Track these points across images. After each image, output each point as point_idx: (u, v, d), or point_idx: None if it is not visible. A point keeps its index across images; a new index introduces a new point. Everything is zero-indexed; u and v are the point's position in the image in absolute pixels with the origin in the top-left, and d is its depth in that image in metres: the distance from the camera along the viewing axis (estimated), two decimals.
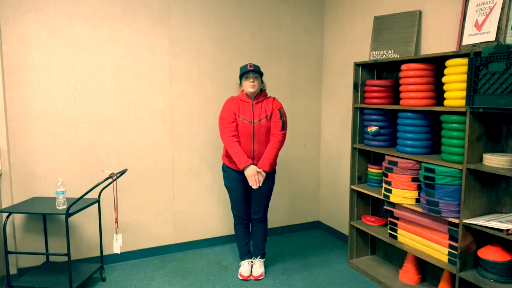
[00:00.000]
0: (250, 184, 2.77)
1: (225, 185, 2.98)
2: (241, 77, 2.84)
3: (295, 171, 3.92)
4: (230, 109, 2.82)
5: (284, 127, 2.84)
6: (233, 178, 2.90)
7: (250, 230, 3.11)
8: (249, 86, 2.78)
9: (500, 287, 2.06)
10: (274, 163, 2.88)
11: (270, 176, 2.92)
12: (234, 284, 2.91)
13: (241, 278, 2.98)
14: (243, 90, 2.87)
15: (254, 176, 2.74)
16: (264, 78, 3.64)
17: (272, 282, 2.93)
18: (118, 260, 3.27)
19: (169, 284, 2.90)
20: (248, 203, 3.01)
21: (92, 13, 2.98)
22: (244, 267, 3.00)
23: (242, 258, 3.05)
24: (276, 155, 2.83)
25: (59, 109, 2.96)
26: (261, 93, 2.87)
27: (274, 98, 2.91)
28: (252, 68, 2.78)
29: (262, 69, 3.63)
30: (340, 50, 3.66)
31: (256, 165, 2.83)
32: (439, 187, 2.30)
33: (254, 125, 2.79)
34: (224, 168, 2.95)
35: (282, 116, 2.85)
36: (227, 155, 2.90)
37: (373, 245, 3.31)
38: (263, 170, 2.78)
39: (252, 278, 2.97)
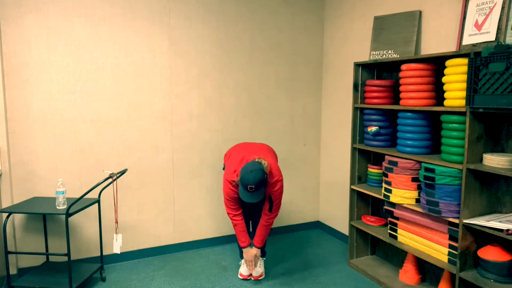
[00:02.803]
0: (247, 268, 2.94)
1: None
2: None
3: (295, 171, 3.92)
4: (233, 196, 2.75)
5: (271, 209, 2.79)
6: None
7: (251, 230, 3.11)
8: None
9: (500, 287, 2.06)
10: (266, 237, 2.92)
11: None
12: (234, 284, 2.91)
13: (241, 277, 2.98)
14: None
15: (250, 262, 2.89)
16: (264, 78, 3.66)
17: (272, 282, 2.93)
18: (118, 260, 3.27)
19: (169, 284, 2.90)
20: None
21: (92, 13, 2.98)
22: (244, 267, 2.99)
23: (242, 256, 3.05)
24: (267, 233, 2.89)
25: (59, 109, 2.96)
26: None
27: (274, 182, 2.72)
28: (252, 190, 2.55)
29: (261, 69, 3.63)
30: (340, 50, 3.66)
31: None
32: (439, 187, 2.30)
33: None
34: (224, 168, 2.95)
35: (273, 201, 2.76)
36: (226, 177, 2.84)
37: (373, 245, 3.31)
38: (257, 247, 2.90)
39: (252, 278, 2.97)
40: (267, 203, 2.80)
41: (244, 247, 2.88)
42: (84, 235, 3.14)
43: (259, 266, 3.00)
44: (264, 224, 2.85)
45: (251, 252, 2.89)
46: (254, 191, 2.57)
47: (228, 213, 2.84)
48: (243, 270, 2.99)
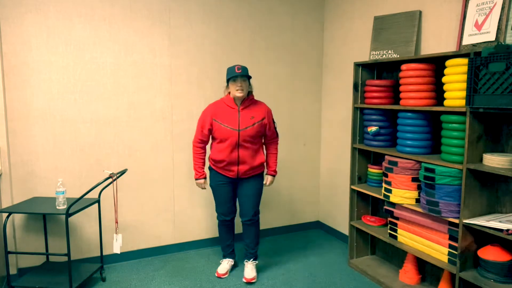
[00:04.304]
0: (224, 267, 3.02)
1: (210, 185, 2.97)
2: (228, 80, 2.75)
3: (295, 171, 3.92)
4: (207, 117, 2.81)
5: (277, 134, 3.01)
6: (218, 179, 2.89)
7: (242, 231, 3.10)
8: (237, 91, 2.70)
9: (500, 287, 2.06)
10: (277, 163, 3.08)
11: (258, 176, 2.91)
12: (234, 284, 2.91)
13: (217, 276, 2.97)
14: (229, 93, 2.80)
15: (202, 185, 2.96)
16: (264, 78, 3.66)
17: (272, 282, 2.93)
18: (118, 260, 3.27)
19: (169, 284, 2.90)
20: (233, 204, 2.99)
21: (92, 13, 2.98)
22: (223, 265, 3.01)
23: (225, 257, 3.08)
24: (277, 159, 3.12)
25: (59, 109, 2.96)
26: (247, 97, 2.80)
27: (262, 103, 2.88)
28: (240, 71, 2.67)
29: (261, 69, 3.63)
30: (340, 50, 3.66)
31: (242, 171, 2.84)
32: (439, 187, 2.30)
33: (239, 133, 2.76)
34: (210, 169, 2.95)
35: (275, 123, 2.97)
36: (212, 158, 2.87)
37: (373, 245, 3.31)
38: (272, 175, 3.01)
39: (244, 280, 2.94)
40: (273, 132, 2.93)
41: (197, 179, 2.92)
42: (84, 235, 3.14)
43: (251, 269, 2.96)
44: (274, 152, 3.00)
45: (201, 182, 2.94)
46: (241, 72, 2.68)
47: (193, 143, 2.90)
48: (220, 268, 3.01)
